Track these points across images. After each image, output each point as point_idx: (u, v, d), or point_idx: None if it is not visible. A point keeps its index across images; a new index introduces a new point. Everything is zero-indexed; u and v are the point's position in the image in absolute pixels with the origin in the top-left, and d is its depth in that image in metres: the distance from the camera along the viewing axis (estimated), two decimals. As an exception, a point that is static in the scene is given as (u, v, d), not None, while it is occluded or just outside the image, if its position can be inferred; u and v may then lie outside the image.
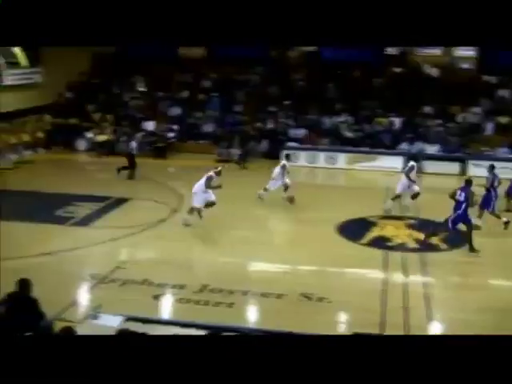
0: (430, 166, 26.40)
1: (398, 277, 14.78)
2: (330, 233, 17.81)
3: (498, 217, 18.31)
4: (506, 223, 18.04)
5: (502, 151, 26.72)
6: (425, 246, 16.70)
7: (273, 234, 17.11)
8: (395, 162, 26.65)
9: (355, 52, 28.18)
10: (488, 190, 18.64)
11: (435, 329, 12.41)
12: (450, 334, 11.69)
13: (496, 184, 18.87)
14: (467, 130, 28.18)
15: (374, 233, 17.89)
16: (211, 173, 17.83)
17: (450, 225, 16.12)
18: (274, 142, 28.40)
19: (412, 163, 20.67)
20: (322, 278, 14.51)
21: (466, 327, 11.81)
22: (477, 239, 16.44)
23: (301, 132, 29.31)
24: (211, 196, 17.72)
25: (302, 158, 27.88)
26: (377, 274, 14.96)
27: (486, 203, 18.46)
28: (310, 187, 24.03)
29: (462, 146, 27.48)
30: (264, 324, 11.90)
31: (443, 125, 28.40)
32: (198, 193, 17.69)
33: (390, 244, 16.98)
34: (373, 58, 29.65)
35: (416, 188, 20.33)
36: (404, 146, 27.83)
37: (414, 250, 16.56)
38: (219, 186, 17.71)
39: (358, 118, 29.52)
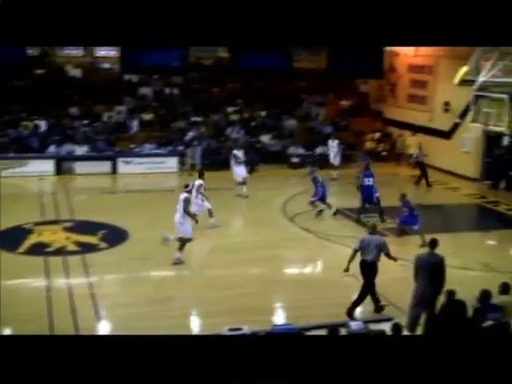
0: (80, 167, 26.27)
1: (61, 282, 14.53)
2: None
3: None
4: None
5: (149, 147, 27.62)
6: (85, 248, 16.66)
7: None
8: (45, 166, 26.08)
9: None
10: None
11: (104, 327, 12.46)
12: (125, 327, 11.94)
13: None
14: (114, 129, 28.64)
15: (32, 240, 17.32)
16: (185, 194, 16.00)
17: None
18: None
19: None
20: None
21: (138, 321, 12.17)
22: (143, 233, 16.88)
23: None
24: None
25: None
26: (40, 282, 14.52)
27: None
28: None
29: (110, 144, 27.85)
30: None
31: (90, 125, 28.50)
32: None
33: (49, 249, 16.59)
34: (13, 58, 28.33)
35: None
36: (52, 149, 27.29)
37: (74, 253, 16.39)
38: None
39: (1, 122, 28.23)
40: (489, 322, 9.99)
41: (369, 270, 12.87)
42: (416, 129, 29.01)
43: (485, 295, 10.87)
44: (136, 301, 13.37)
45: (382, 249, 12.86)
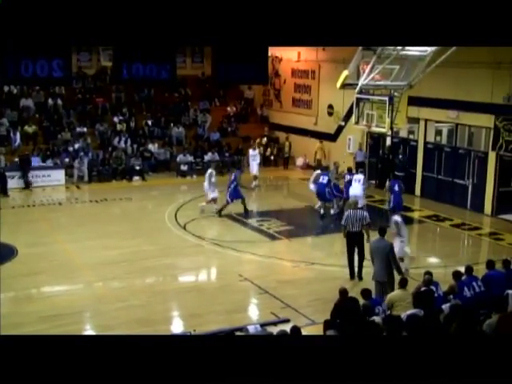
0: None
1: None
2: None
3: None
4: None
5: (34, 160, 26.69)
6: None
7: None
8: None
9: None
10: None
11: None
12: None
13: None
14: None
15: None
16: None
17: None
18: None
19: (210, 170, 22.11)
20: None
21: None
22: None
23: None
24: None
25: None
26: None
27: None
28: None
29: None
30: None
31: (-31, 139, 27.35)
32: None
33: None
34: None
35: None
36: None
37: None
38: None
39: None
40: (375, 318, 10.24)
41: (356, 240, 15.16)
42: (302, 132, 29.67)
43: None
44: (27, 320, 12.86)
45: (364, 221, 15.13)
